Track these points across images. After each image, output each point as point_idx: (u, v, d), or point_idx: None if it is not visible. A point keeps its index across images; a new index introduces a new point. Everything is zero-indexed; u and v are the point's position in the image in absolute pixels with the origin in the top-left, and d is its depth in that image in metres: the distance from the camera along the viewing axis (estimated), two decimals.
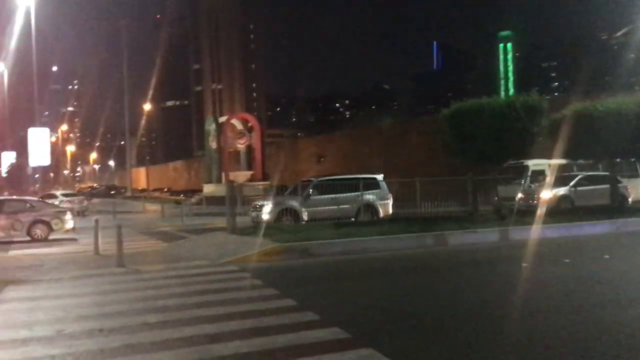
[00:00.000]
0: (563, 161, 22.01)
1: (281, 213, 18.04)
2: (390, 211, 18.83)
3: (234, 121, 46.48)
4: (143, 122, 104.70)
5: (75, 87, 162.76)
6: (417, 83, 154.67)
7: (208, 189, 44.84)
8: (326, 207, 17.88)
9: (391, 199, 19.04)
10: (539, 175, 22.45)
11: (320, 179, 20.33)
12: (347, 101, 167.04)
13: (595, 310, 6.65)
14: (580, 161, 21.88)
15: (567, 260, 10.51)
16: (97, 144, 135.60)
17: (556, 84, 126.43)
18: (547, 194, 19.98)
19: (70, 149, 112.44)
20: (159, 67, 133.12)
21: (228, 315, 6.81)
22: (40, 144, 64.44)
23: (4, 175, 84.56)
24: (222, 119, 47.91)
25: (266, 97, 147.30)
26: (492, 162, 17.92)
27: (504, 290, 8.09)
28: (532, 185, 22.02)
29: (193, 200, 44.17)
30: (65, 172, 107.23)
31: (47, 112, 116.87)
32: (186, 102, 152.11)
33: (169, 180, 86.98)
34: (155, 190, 74.98)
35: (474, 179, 18.03)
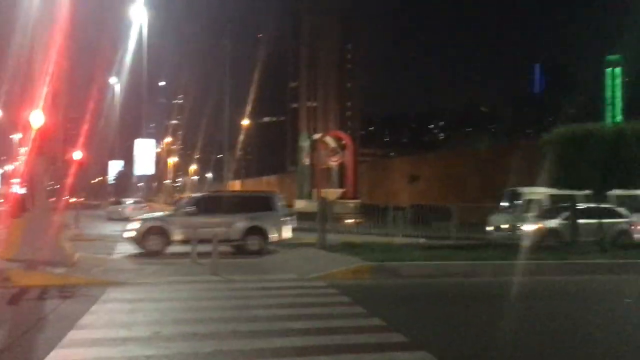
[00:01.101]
0: (569, 191, 20.34)
1: (148, 231, 16.06)
2: (287, 235, 16.98)
3: (328, 139, 46.98)
4: (241, 136, 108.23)
5: (180, 101, 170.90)
6: (516, 106, 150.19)
7: (299, 204, 45.44)
8: (203, 228, 15.45)
9: (291, 221, 17.26)
10: (536, 204, 20.54)
11: (201, 194, 18.82)
12: (441, 122, 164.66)
13: None
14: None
15: None
16: (197, 156, 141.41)
17: None
18: (530, 227, 18.09)
19: (173, 160, 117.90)
20: (257, 84, 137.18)
21: (315, 329, 6.87)
22: (145, 154, 68.23)
23: (111, 182, 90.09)
24: (316, 136, 48.57)
25: (360, 115, 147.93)
26: (596, 192, 17.05)
27: (603, 325, 7.65)
28: (524, 216, 19.84)
29: None
30: (167, 181, 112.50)
31: (153, 124, 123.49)
32: (282, 119, 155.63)
33: None
34: None
35: (575, 208, 17.21)
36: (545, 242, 17.14)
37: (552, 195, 21.31)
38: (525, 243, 15.18)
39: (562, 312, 8.69)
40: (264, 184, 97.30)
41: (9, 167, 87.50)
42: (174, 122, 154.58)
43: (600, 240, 16.08)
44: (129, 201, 40.94)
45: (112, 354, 5.80)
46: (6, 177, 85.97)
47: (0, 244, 11.52)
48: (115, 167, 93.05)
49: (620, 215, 19.22)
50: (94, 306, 8.18)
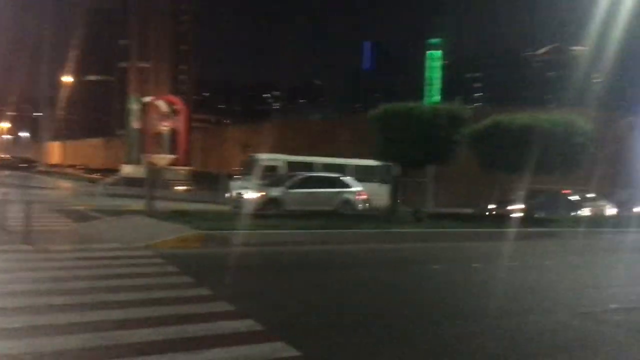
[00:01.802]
0: (311, 158, 21.33)
1: None
2: None
3: (159, 102, 45.33)
4: (62, 94, 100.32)
5: None
6: (347, 81, 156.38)
7: (127, 169, 43.56)
8: None
9: None
10: (272, 171, 20.92)
11: None
12: (276, 93, 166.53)
13: None
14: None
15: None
16: (11, 113, 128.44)
17: (479, 94, 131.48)
18: (252, 195, 18.08)
19: None
20: (82, 38, 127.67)
21: (139, 301, 6.63)
22: None
23: None
24: (147, 99, 46.66)
25: (195, 81, 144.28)
26: (416, 166, 18.42)
27: (418, 291, 8.35)
28: (260, 183, 19.80)
29: (109, 180, 42.76)
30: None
31: None
32: (109, 78, 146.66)
33: (86, 157, 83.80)
34: (69, 166, 72.00)
35: (396, 181, 18.46)
36: (265, 210, 17.03)
37: (290, 163, 21.80)
38: (246, 211, 15.37)
39: (381, 278, 9.32)
40: (87, 146, 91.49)
41: None
42: None
43: (414, 211, 17.45)
44: None
45: None
46: None
47: None
48: None
49: (346, 185, 19.39)
50: None
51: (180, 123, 43.67)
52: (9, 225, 12.34)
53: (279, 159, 22.15)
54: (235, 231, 12.47)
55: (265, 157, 21.84)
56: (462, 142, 18.10)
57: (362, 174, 22.01)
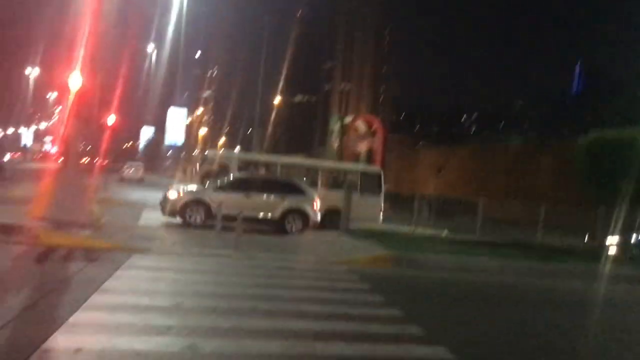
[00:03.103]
0: (269, 157, 18.69)
1: None
2: None
3: (359, 123, 46.77)
4: (272, 113, 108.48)
5: (213, 73, 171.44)
6: (552, 105, 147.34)
7: None
8: None
9: None
10: (223, 169, 18.17)
11: None
12: (474, 115, 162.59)
13: None
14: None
15: None
16: (226, 130, 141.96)
17: None
18: (173, 195, 15.74)
19: (202, 131, 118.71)
20: (292, 62, 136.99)
21: (333, 315, 6.89)
22: (177, 123, 68.93)
23: (141, 148, 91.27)
24: (348, 119, 48.51)
25: (392, 102, 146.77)
26: (632, 199, 16.70)
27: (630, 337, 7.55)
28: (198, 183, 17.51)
29: None
30: (195, 152, 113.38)
31: (186, 93, 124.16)
32: (313, 99, 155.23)
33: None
34: None
35: (605, 213, 16.91)
36: (191, 211, 15.26)
37: (244, 161, 19.44)
38: (171, 211, 15.04)
39: (582, 320, 8.59)
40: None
41: (42, 125, 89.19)
42: (207, 92, 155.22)
43: (626, 248, 15.82)
44: (128, 164, 45.64)
45: (134, 320, 5.88)
46: (39, 135, 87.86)
47: (32, 203, 11.77)
48: (147, 133, 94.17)
49: (300, 191, 16.40)
50: (118, 271, 8.32)
51: (377, 143, 44.57)
52: (224, 232, 13.59)
53: (228, 156, 19.88)
54: (427, 254, 12.42)
55: (213, 154, 19.74)
56: None
57: (338, 180, 19.08)
